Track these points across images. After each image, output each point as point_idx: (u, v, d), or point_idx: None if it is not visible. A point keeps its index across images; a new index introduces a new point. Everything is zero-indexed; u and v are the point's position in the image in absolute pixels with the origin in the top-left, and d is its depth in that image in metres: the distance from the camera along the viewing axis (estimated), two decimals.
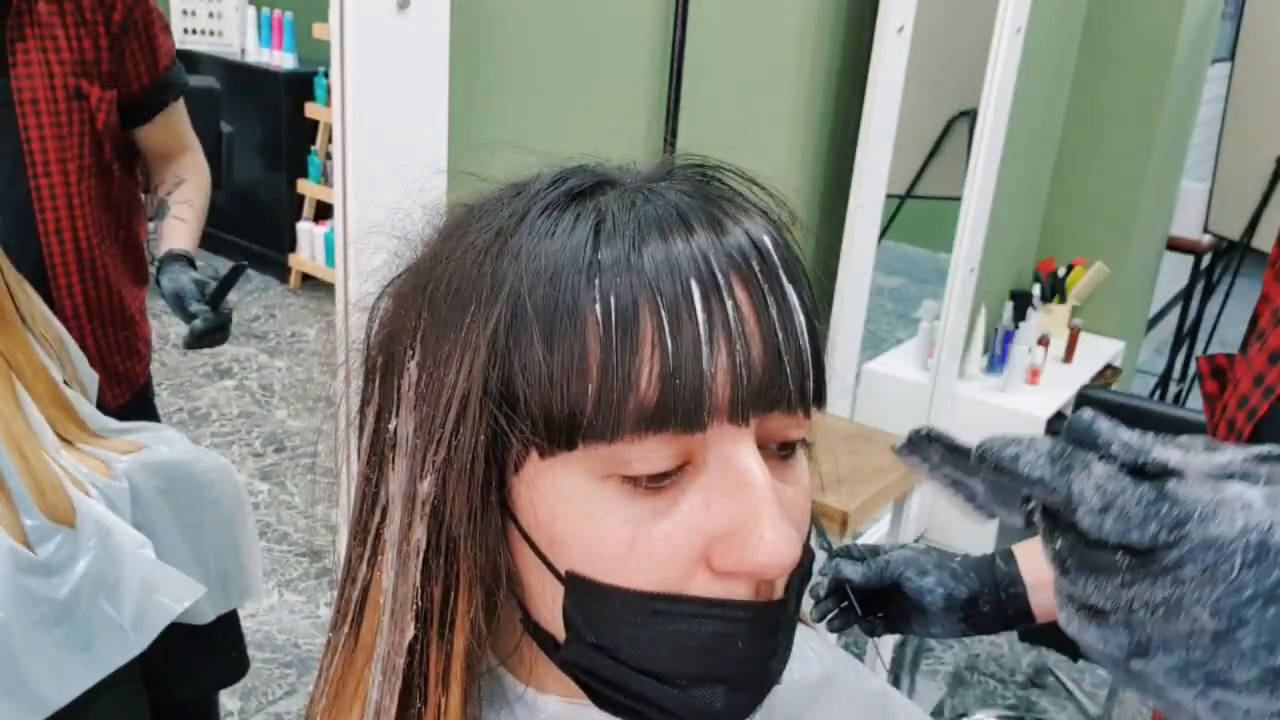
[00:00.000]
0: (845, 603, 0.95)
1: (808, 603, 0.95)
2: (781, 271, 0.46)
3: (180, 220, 1.55)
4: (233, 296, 1.46)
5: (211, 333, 1.43)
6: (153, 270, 1.53)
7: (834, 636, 0.96)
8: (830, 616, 0.95)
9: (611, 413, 0.43)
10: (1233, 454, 0.38)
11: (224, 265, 1.45)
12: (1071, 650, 2.04)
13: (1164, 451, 0.37)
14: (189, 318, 1.43)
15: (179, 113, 1.55)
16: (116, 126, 1.43)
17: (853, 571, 0.94)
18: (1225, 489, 0.36)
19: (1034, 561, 0.91)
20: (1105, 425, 0.38)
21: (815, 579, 0.96)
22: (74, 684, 1.05)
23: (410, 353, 0.47)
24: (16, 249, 1.22)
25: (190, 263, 1.49)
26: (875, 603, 0.94)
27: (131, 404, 1.53)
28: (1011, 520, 0.42)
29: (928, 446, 0.43)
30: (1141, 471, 0.37)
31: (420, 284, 0.48)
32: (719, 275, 0.44)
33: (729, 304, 0.43)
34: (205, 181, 1.61)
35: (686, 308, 0.43)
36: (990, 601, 0.90)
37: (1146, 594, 0.35)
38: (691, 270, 0.43)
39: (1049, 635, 1.88)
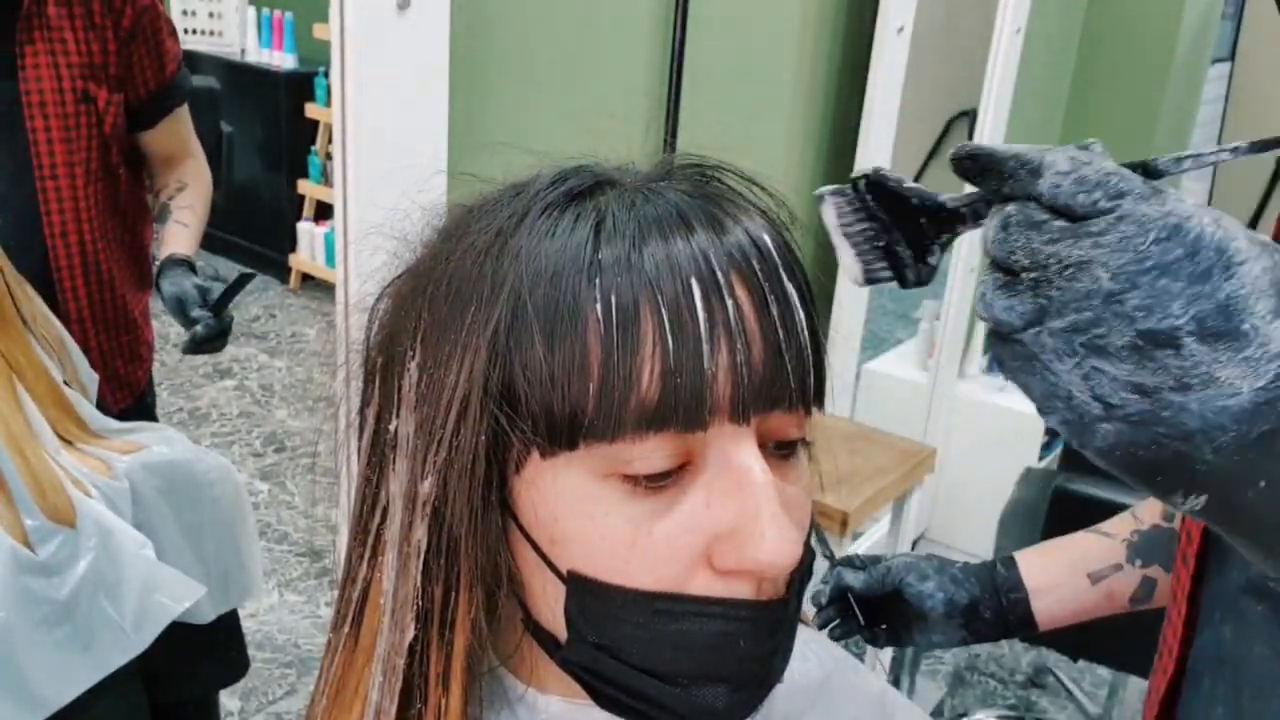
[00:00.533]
0: (848, 612, 0.95)
1: (809, 605, 0.95)
2: (782, 270, 0.46)
3: (182, 225, 1.54)
4: (232, 301, 1.47)
5: (212, 339, 1.43)
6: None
7: None
8: (832, 625, 0.95)
9: (612, 412, 0.43)
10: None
11: (224, 265, 1.45)
12: (1072, 650, 2.04)
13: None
14: (190, 323, 1.42)
15: (184, 118, 1.55)
16: (123, 130, 1.43)
17: (854, 579, 0.94)
18: (1171, 190, 0.39)
19: (1035, 567, 0.91)
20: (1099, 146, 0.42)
21: (817, 587, 0.96)
22: (75, 684, 1.05)
23: (410, 353, 0.47)
24: (21, 251, 1.22)
25: (191, 268, 1.49)
26: (878, 613, 0.94)
27: (132, 409, 1.53)
28: (910, 272, 0.46)
29: (858, 195, 0.46)
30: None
31: (420, 285, 0.48)
32: (719, 274, 0.44)
33: (729, 303, 0.43)
34: (208, 187, 1.61)
35: (687, 307, 0.43)
36: (991, 607, 0.90)
37: (1065, 251, 0.38)
38: (692, 269, 0.43)
39: (1049, 635, 1.88)
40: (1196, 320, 0.37)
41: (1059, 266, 0.38)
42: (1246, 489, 0.38)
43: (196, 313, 1.42)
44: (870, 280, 0.47)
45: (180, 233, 1.54)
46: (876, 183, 0.45)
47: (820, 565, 0.97)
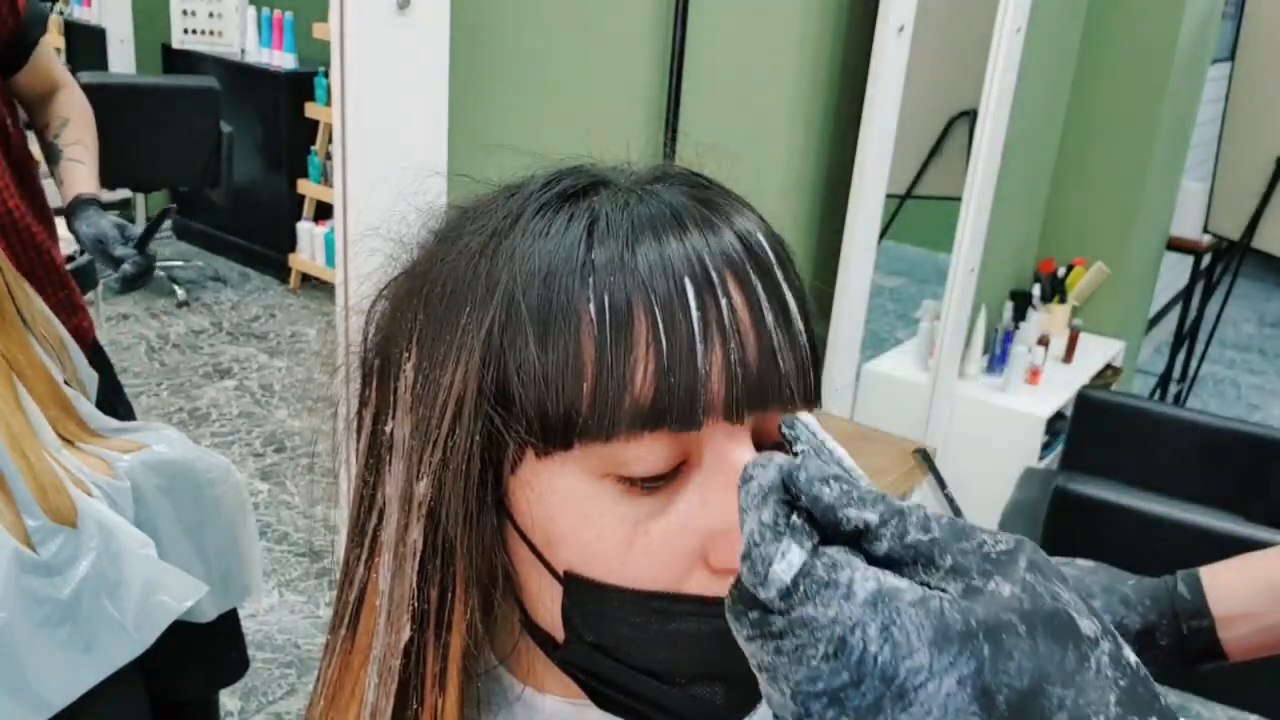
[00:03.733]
0: None
1: None
2: (776, 269, 0.46)
3: (78, 162, 1.49)
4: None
5: (142, 276, 1.41)
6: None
7: None
8: None
9: (607, 412, 0.43)
10: (940, 536, 0.34)
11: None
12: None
13: (861, 512, 0.34)
14: (115, 262, 1.39)
15: (47, 48, 1.49)
16: (1, 78, 1.38)
17: None
18: (845, 571, 0.33)
19: (1225, 589, 0.77)
20: (809, 471, 0.35)
21: None
22: (77, 684, 1.05)
23: (406, 355, 0.48)
24: None
25: (100, 205, 1.44)
26: None
27: (89, 359, 1.50)
28: None
29: None
30: (835, 527, 0.35)
31: (415, 286, 0.49)
32: (713, 273, 0.44)
33: (723, 302, 0.44)
34: (89, 114, 1.55)
35: (681, 306, 0.43)
36: (1169, 635, 0.77)
37: (756, 654, 0.34)
38: (685, 269, 0.44)
39: None
40: None
41: (756, 665, 0.34)
42: None
43: (120, 250, 1.39)
44: None
45: (79, 170, 1.48)
46: None
47: None
